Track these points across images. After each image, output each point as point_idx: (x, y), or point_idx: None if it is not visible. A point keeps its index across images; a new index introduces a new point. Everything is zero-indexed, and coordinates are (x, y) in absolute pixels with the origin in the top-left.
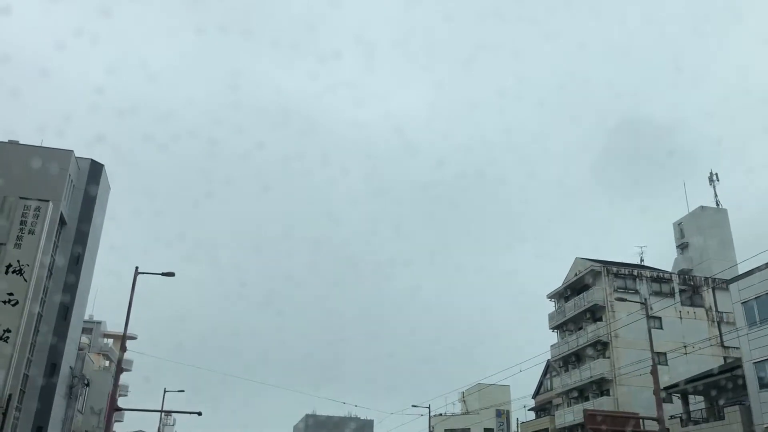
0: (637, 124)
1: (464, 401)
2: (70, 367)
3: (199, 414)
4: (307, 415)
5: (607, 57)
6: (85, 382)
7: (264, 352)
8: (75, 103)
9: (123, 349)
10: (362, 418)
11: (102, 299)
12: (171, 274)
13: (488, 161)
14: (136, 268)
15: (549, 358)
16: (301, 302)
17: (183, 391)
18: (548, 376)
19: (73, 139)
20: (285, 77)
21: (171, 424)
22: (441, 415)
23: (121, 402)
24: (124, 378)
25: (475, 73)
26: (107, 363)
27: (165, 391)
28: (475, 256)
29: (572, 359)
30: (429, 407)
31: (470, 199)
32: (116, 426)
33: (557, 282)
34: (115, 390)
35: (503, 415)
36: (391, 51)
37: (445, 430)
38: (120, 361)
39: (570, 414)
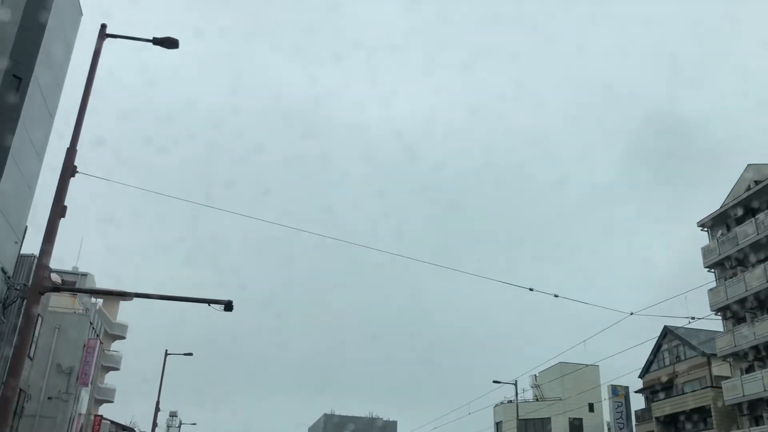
0: (636, 127)
1: (537, 386)
2: (3, 271)
3: (229, 306)
4: (325, 415)
5: (605, 60)
6: (23, 291)
7: (265, 356)
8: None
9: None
10: (385, 418)
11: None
12: (173, 45)
13: (487, 164)
14: (102, 27)
15: (666, 324)
16: (303, 305)
17: (191, 354)
18: (665, 346)
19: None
20: (285, 81)
21: (176, 426)
22: (510, 402)
23: (113, 377)
24: (115, 345)
25: (474, 77)
26: (83, 309)
27: (166, 354)
28: (475, 259)
29: (751, 306)
30: (515, 383)
31: (470, 201)
32: (105, 408)
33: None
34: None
35: (621, 394)
36: (390, 55)
37: (518, 420)
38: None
39: (755, 383)
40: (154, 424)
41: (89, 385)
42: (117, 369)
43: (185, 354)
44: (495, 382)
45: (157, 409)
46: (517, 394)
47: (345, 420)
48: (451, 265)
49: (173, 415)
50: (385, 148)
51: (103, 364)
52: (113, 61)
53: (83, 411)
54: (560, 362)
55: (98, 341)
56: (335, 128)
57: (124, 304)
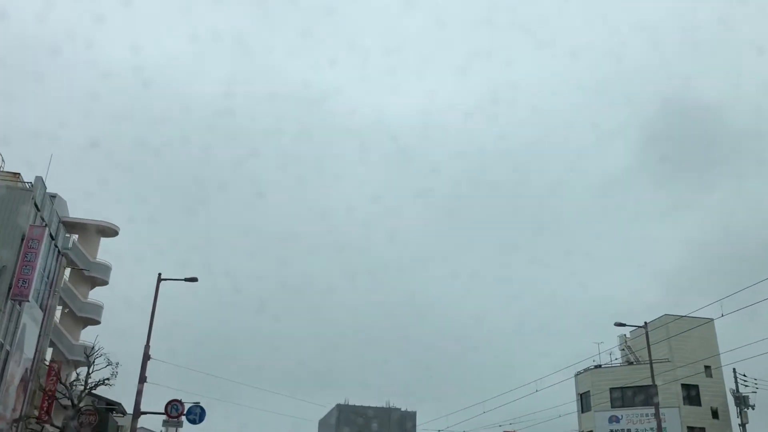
0: (634, 130)
1: (628, 347)
2: None
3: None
4: (338, 405)
5: (599, 64)
6: None
7: (262, 358)
8: (69, 109)
9: None
10: (403, 409)
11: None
12: None
13: (482, 168)
14: None
15: None
16: (298, 309)
17: (195, 279)
18: None
19: (67, 144)
20: (278, 84)
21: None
22: (598, 367)
23: (92, 334)
24: (96, 294)
25: (468, 81)
26: (27, 185)
27: (160, 278)
28: (470, 262)
29: None
30: (646, 324)
31: (465, 205)
32: (80, 372)
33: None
34: None
35: None
36: (384, 58)
37: (611, 389)
38: None
39: None
40: (142, 376)
41: (30, 299)
42: (97, 322)
43: (187, 279)
44: (618, 324)
45: (147, 357)
46: (649, 346)
47: (360, 410)
48: (450, 267)
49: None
50: (379, 152)
51: (78, 315)
52: (107, 62)
53: (29, 353)
54: (665, 314)
55: (46, 231)
56: (328, 132)
57: (105, 248)
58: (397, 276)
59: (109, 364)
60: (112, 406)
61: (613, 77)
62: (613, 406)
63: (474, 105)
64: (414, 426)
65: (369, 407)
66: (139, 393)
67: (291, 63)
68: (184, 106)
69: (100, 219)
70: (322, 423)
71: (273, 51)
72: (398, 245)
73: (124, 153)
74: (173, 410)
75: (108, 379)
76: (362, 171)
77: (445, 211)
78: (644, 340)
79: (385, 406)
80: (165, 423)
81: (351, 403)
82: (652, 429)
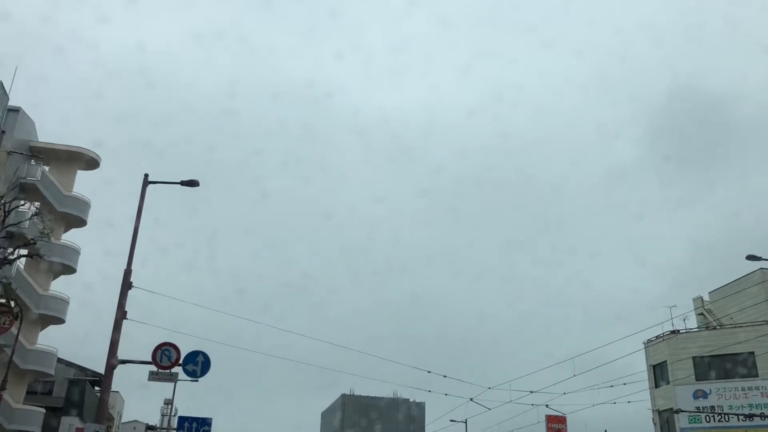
0: (636, 129)
1: (708, 311)
2: None
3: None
4: (343, 395)
5: (602, 64)
6: None
7: (265, 359)
8: (74, 109)
9: None
10: (411, 399)
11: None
12: None
13: (485, 166)
14: None
15: None
16: (301, 308)
17: (197, 183)
18: None
19: (71, 143)
20: (282, 83)
21: (174, 414)
22: (674, 333)
23: (64, 286)
24: (73, 237)
25: (471, 80)
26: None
27: (147, 181)
28: (473, 261)
29: None
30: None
31: (468, 204)
32: (50, 333)
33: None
34: None
35: None
36: (387, 57)
37: (694, 358)
38: None
39: None
40: (121, 312)
41: None
42: (71, 270)
43: (184, 183)
44: (750, 257)
45: (128, 285)
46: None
47: (365, 401)
48: (454, 266)
49: (168, 403)
50: (382, 152)
51: (46, 257)
52: (111, 62)
53: None
54: (761, 269)
55: None
56: (332, 132)
57: (82, 182)
58: (400, 275)
59: (36, 213)
60: (95, 378)
61: (617, 76)
62: (697, 379)
63: (477, 104)
64: (423, 418)
65: (375, 397)
66: (116, 327)
67: (294, 62)
68: (188, 106)
69: (76, 144)
70: (325, 415)
71: (276, 50)
72: (402, 244)
73: (128, 153)
74: (164, 358)
75: (43, 234)
76: (366, 170)
77: (449, 210)
78: (727, 303)
79: (392, 396)
80: (152, 375)
81: (357, 392)
82: (750, 405)
